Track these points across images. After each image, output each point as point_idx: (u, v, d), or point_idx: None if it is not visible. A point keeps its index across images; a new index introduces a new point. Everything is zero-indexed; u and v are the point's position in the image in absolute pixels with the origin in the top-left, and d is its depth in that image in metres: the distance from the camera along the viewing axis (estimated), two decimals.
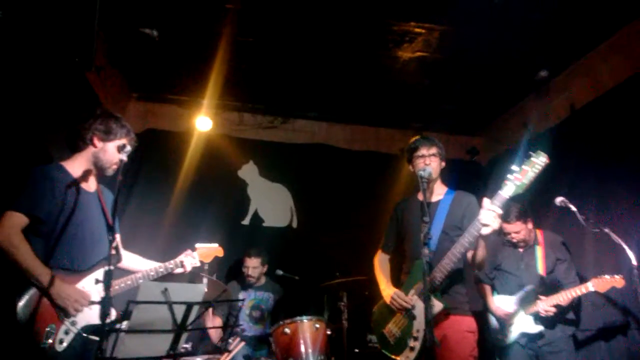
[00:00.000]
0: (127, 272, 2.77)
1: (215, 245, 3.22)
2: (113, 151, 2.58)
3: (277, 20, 4.09)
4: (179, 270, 2.89)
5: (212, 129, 5.34)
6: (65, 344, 2.30)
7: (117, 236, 2.81)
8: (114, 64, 4.65)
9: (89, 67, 2.68)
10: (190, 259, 2.93)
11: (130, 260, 2.89)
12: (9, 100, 3.12)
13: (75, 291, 2.37)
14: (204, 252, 3.09)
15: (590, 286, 3.41)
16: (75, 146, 2.61)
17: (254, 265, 4.57)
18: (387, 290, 3.00)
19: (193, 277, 3.15)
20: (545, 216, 4.22)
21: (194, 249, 3.04)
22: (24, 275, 2.29)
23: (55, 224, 2.42)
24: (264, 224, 5.57)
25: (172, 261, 2.87)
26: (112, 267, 2.11)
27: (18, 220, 2.35)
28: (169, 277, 2.83)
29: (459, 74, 4.74)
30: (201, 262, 3.06)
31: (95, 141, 2.59)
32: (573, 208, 3.48)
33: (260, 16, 4.04)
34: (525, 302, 3.66)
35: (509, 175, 2.59)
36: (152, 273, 2.73)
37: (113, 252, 2.55)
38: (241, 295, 4.53)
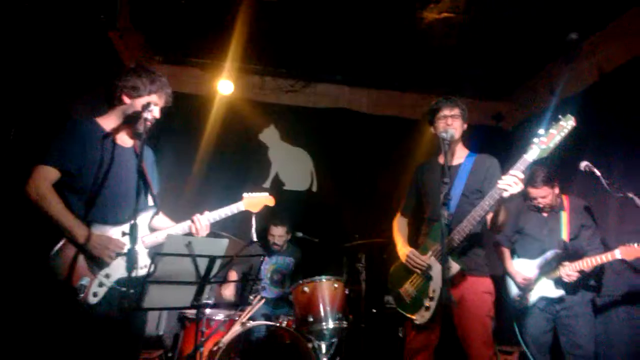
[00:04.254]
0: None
1: (265, 194, 3.04)
2: (142, 107, 2.47)
3: None
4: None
5: (233, 93, 5.35)
6: (98, 297, 2.32)
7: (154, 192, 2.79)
8: (138, 26, 4.66)
9: (112, 25, 2.67)
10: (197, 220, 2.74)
11: (161, 222, 2.82)
12: (33, 60, 3.14)
13: (106, 239, 2.37)
14: (252, 201, 2.94)
15: (618, 254, 3.37)
16: (110, 102, 2.57)
17: (279, 234, 4.64)
18: (403, 250, 3.04)
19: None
20: (570, 181, 4.16)
21: (241, 198, 2.93)
22: (56, 228, 2.30)
23: (88, 177, 2.41)
24: (285, 188, 5.64)
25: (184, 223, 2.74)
26: (139, 220, 2.14)
27: (48, 173, 2.35)
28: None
29: (485, 36, 4.60)
30: (249, 211, 2.94)
31: (124, 97, 2.54)
32: (597, 172, 3.41)
33: None
34: (548, 267, 3.65)
35: (534, 139, 2.59)
36: (178, 229, 2.67)
37: (151, 203, 2.62)
38: (262, 258, 4.61)
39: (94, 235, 2.35)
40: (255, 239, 2.80)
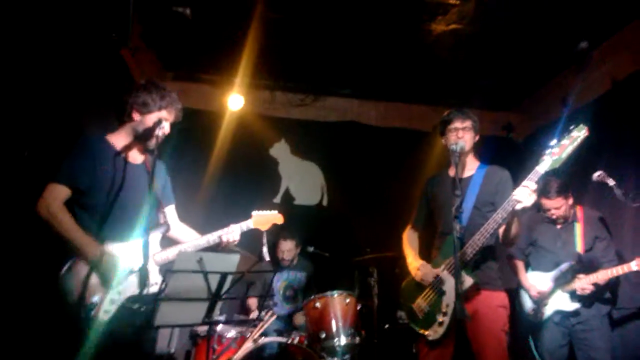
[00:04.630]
0: (177, 243, 2.74)
1: (275, 212, 3.00)
2: (153, 124, 2.50)
3: None
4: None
5: (243, 108, 5.39)
6: (110, 315, 2.31)
7: (170, 207, 2.84)
8: (149, 44, 4.74)
9: (124, 43, 2.71)
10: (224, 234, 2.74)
11: (182, 232, 2.84)
12: (47, 79, 3.19)
13: (118, 259, 2.37)
14: (261, 219, 2.91)
15: (634, 265, 3.31)
16: (120, 118, 2.59)
17: (288, 248, 4.63)
18: (414, 263, 3.01)
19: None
20: (583, 192, 4.11)
21: (250, 217, 2.90)
22: (67, 247, 2.31)
23: (99, 195, 2.42)
24: (295, 202, 5.64)
25: (214, 233, 2.73)
26: (150, 237, 2.15)
27: (59, 191, 2.36)
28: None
29: (494, 47, 4.60)
30: (258, 229, 2.90)
31: (134, 114, 2.55)
32: (611, 182, 3.37)
33: None
34: (562, 280, 3.59)
35: (546, 150, 2.57)
36: (202, 242, 2.66)
37: (161, 221, 2.63)
38: (274, 275, 4.59)
39: (106, 255, 2.35)
40: (267, 258, 2.77)
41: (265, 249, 2.96)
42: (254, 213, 2.94)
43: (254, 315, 4.28)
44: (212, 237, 2.70)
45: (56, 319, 2.34)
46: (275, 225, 3.04)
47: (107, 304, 2.32)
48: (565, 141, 2.55)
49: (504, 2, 3.96)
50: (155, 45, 4.83)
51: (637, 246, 3.62)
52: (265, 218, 2.95)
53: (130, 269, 2.40)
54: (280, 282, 4.65)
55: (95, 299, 2.30)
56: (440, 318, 2.77)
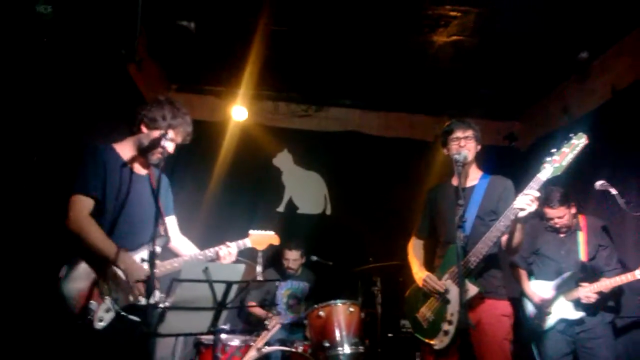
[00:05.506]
0: (175, 255, 2.79)
1: (271, 232, 3.08)
2: (156, 140, 2.53)
3: (310, 8, 4.12)
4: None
5: (247, 119, 5.44)
6: (104, 323, 2.32)
7: (170, 218, 2.86)
8: (154, 57, 4.80)
9: (132, 58, 2.77)
10: (225, 250, 2.76)
11: (181, 244, 2.87)
12: (54, 94, 3.24)
13: (144, 270, 2.38)
14: (257, 238, 2.98)
15: (638, 274, 3.32)
16: (131, 128, 2.62)
17: (294, 258, 4.65)
18: (420, 274, 3.02)
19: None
20: (586, 201, 4.12)
21: (247, 235, 2.94)
22: (72, 252, 2.34)
23: (106, 204, 2.45)
24: (299, 211, 5.67)
25: (211, 249, 2.77)
26: (156, 248, 2.18)
27: (85, 203, 2.40)
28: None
29: (495, 57, 4.65)
30: (254, 249, 2.96)
31: (142, 127, 2.59)
32: (614, 191, 3.39)
33: (294, 5, 4.08)
34: (565, 289, 3.60)
35: (547, 158, 2.60)
36: (200, 257, 2.71)
37: (162, 233, 2.66)
38: (278, 284, 4.61)
39: (135, 264, 2.40)
40: (260, 277, 2.80)
41: (259, 268, 3.00)
42: (251, 232, 2.98)
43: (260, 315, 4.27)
44: (209, 253, 2.74)
45: (54, 324, 2.35)
46: (280, 234, 3.07)
47: (102, 312, 2.33)
48: (565, 149, 2.58)
49: (504, 13, 4.00)
50: (160, 57, 4.90)
51: (639, 253, 3.62)
52: (262, 238, 3.02)
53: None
54: (284, 290, 4.66)
55: (92, 306, 2.31)
56: (445, 327, 2.78)
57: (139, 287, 2.36)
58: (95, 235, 2.36)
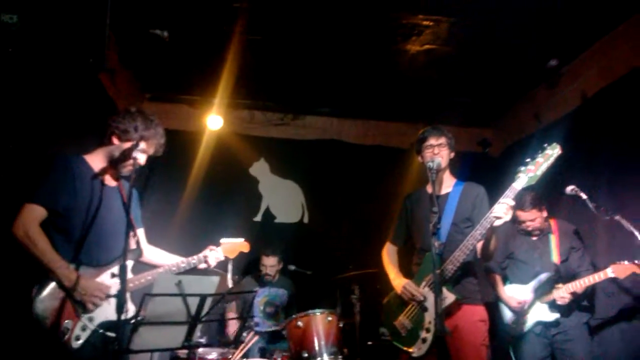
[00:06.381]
0: (151, 266, 2.74)
1: (241, 240, 3.09)
2: (127, 151, 2.48)
3: (285, 18, 4.12)
4: (203, 265, 2.82)
5: (222, 128, 5.39)
6: (81, 341, 2.27)
7: (140, 230, 2.81)
8: (127, 65, 4.72)
9: (101, 67, 2.72)
10: (214, 254, 2.85)
11: (154, 254, 2.84)
12: (24, 103, 3.16)
13: (94, 284, 2.34)
14: (229, 247, 2.98)
15: (610, 272, 3.38)
16: (101, 139, 2.57)
17: (271, 264, 4.61)
18: (398, 280, 3.02)
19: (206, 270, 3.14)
20: (557, 205, 4.20)
21: (218, 244, 2.93)
22: (41, 269, 2.26)
23: (75, 217, 2.39)
24: (276, 221, 5.63)
25: (195, 256, 2.80)
26: (127, 262, 2.13)
27: (36, 213, 2.32)
28: (188, 270, 2.77)
29: (468, 65, 4.72)
30: (226, 257, 2.95)
31: (113, 138, 2.54)
32: (584, 196, 3.46)
33: (268, 14, 4.07)
34: (541, 291, 3.65)
35: (521, 168, 2.66)
36: (174, 268, 2.67)
37: (134, 246, 2.60)
38: (254, 295, 4.55)
39: (82, 280, 2.31)
40: (231, 285, 2.79)
41: (229, 277, 2.99)
42: (223, 240, 2.98)
43: (233, 329, 4.20)
44: (193, 260, 2.74)
45: (28, 343, 2.27)
46: (257, 240, 3.06)
47: (78, 330, 2.28)
48: (539, 158, 2.64)
49: (475, 23, 4.08)
50: (133, 66, 4.82)
51: (610, 256, 3.70)
52: (232, 246, 3.01)
53: (107, 294, 2.36)
54: (260, 297, 4.60)
55: (67, 324, 2.26)
56: (423, 334, 2.79)
57: (92, 300, 2.31)
58: (42, 247, 2.28)
